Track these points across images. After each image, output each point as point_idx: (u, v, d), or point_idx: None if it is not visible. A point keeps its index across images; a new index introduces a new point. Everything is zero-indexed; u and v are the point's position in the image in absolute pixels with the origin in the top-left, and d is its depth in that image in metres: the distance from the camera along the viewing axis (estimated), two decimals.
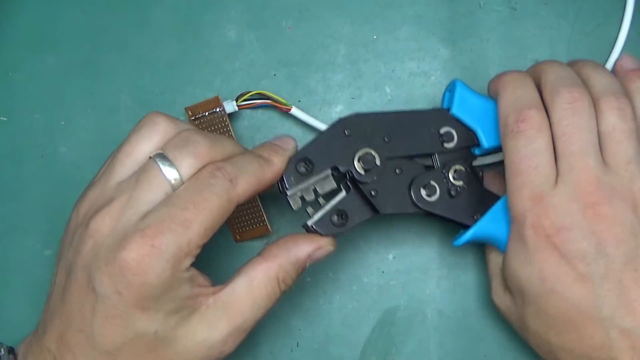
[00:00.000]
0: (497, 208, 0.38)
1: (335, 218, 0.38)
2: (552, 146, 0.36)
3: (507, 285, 0.39)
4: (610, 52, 0.44)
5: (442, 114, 0.39)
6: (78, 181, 0.45)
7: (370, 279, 0.44)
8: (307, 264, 0.37)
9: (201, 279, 0.35)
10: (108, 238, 0.33)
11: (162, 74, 0.45)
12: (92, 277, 0.33)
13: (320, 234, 0.38)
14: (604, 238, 0.35)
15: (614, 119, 0.36)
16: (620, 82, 0.38)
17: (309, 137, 0.45)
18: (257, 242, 0.45)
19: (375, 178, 0.38)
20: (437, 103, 0.45)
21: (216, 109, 0.43)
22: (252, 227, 0.44)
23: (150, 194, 0.33)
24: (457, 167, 0.39)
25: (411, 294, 0.44)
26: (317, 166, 0.37)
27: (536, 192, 0.36)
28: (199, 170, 0.34)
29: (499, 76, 0.39)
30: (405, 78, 0.45)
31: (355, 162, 0.38)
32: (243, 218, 0.44)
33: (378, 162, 0.38)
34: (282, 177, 0.37)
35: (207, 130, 0.43)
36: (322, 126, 0.43)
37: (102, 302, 0.33)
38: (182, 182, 0.34)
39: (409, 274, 0.44)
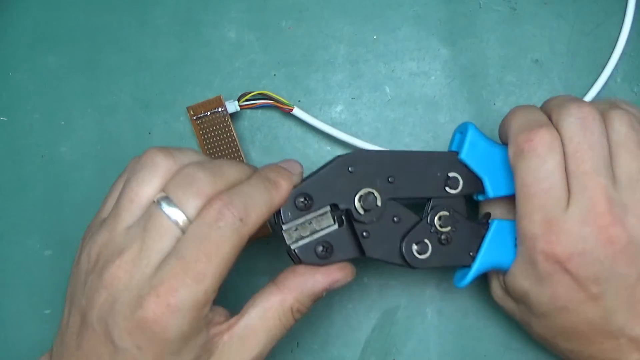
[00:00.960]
0: (492, 238, 0.38)
1: (320, 249, 0.36)
2: (563, 165, 0.35)
3: (510, 293, 0.39)
4: (611, 52, 0.45)
5: (450, 158, 0.38)
6: (78, 181, 0.45)
7: (370, 279, 0.44)
8: (324, 295, 0.37)
9: (217, 316, 0.34)
10: (123, 293, 0.32)
11: (162, 74, 0.45)
12: (109, 330, 0.32)
13: (301, 260, 0.36)
14: (617, 259, 0.34)
15: (625, 128, 0.35)
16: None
17: (310, 137, 0.45)
18: (257, 242, 0.44)
19: (374, 219, 0.37)
20: (437, 103, 0.45)
21: (218, 108, 0.43)
22: None
23: (160, 242, 0.33)
24: (442, 213, 0.38)
25: (411, 294, 0.44)
26: (317, 202, 0.36)
27: (548, 217, 0.35)
28: (205, 207, 0.33)
29: (508, 114, 0.38)
30: (405, 78, 0.45)
31: (356, 201, 0.37)
32: None
33: (379, 203, 0.37)
34: (279, 210, 0.36)
35: (209, 130, 0.43)
36: (323, 127, 0.44)
37: (121, 354, 0.32)
38: (189, 223, 0.33)
39: (409, 274, 0.44)
